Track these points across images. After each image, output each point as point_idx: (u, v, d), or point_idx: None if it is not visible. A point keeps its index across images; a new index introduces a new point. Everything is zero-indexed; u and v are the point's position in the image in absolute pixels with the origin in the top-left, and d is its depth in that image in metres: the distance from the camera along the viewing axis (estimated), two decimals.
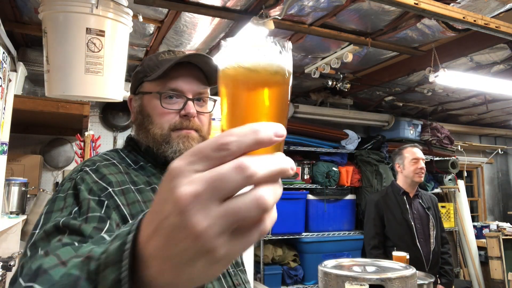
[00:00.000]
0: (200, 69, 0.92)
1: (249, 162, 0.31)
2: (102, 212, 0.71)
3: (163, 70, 0.86)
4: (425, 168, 2.54)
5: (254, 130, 0.32)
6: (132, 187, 0.81)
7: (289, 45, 0.39)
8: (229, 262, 0.33)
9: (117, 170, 0.83)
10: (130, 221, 0.59)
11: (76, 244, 0.61)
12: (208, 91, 0.96)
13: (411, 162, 2.53)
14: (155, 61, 0.92)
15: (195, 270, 0.32)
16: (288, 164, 0.32)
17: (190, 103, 0.89)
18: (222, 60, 0.38)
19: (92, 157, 0.87)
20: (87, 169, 0.80)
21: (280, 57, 0.37)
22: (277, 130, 0.32)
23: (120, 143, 3.88)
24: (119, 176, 0.81)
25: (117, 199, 0.76)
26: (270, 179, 0.32)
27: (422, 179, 2.54)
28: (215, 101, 0.95)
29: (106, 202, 0.74)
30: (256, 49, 0.37)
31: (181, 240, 0.31)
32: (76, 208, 0.71)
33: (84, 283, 0.38)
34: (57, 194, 0.76)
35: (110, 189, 0.77)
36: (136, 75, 0.96)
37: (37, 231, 0.68)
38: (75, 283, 0.39)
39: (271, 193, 0.31)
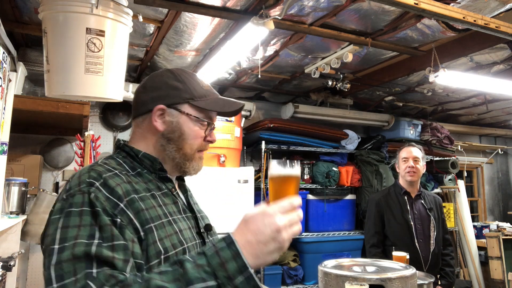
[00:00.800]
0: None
1: (300, 214, 0.80)
2: (123, 237, 0.78)
3: (215, 109, 1.02)
4: (417, 168, 2.50)
5: (292, 201, 0.79)
6: (135, 196, 0.86)
7: (297, 163, 0.85)
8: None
9: (121, 180, 0.87)
10: (140, 232, 0.83)
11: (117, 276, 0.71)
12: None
13: (401, 161, 2.55)
14: (201, 89, 1.02)
15: (271, 258, 0.75)
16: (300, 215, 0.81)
17: (213, 132, 1.05)
18: (270, 171, 0.86)
19: (93, 165, 0.90)
20: (97, 184, 0.83)
21: (292, 169, 0.84)
22: (299, 201, 0.80)
23: None
24: (124, 186, 0.86)
25: (128, 213, 0.82)
26: (300, 219, 0.80)
27: (414, 178, 2.50)
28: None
29: (120, 221, 0.80)
30: (283, 167, 0.84)
31: (272, 245, 0.74)
32: (97, 232, 0.76)
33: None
34: (69, 208, 0.79)
35: (121, 204, 0.82)
36: (177, 91, 0.99)
37: (56, 247, 0.74)
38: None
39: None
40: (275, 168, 0.84)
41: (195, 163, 1.01)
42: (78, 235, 0.74)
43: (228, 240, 0.73)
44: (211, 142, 1.04)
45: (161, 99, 0.98)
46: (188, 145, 0.99)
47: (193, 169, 1.01)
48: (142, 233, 0.82)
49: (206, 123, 1.01)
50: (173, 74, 1.02)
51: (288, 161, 0.82)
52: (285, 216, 0.76)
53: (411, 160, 2.50)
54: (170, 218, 0.91)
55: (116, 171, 0.89)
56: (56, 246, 0.73)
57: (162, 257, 0.83)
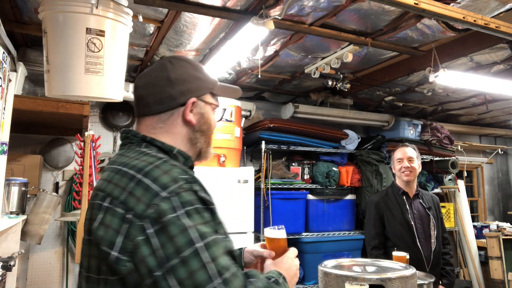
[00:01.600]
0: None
1: (297, 262, 1.09)
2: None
3: (229, 96, 1.12)
4: (413, 167, 2.50)
5: (295, 252, 1.11)
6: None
7: (283, 229, 1.15)
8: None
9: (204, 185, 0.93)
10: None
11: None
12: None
13: (396, 162, 2.57)
14: (212, 77, 1.05)
15: (294, 281, 1.03)
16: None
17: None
18: (266, 234, 1.16)
19: (165, 161, 0.85)
20: (194, 181, 0.84)
21: (280, 233, 1.15)
22: (296, 252, 1.12)
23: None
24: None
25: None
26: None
27: (410, 178, 2.50)
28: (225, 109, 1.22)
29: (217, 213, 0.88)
30: (273, 232, 1.15)
31: (295, 273, 1.05)
32: (221, 228, 0.85)
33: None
34: (189, 207, 0.77)
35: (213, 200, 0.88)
36: (202, 82, 1.00)
37: (200, 245, 0.74)
38: None
39: None
40: (268, 232, 1.16)
41: (211, 148, 1.06)
42: (208, 231, 0.77)
43: (281, 275, 0.97)
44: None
45: (192, 92, 0.97)
46: (211, 131, 1.05)
47: (210, 153, 1.06)
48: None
49: (216, 108, 1.07)
50: (190, 64, 1.01)
51: (276, 227, 1.14)
52: (296, 259, 1.09)
53: (406, 161, 2.51)
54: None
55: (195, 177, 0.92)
56: (200, 244, 0.73)
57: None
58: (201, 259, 0.72)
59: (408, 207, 2.49)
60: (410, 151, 2.55)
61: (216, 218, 0.84)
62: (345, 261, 1.55)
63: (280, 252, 1.10)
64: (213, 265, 0.72)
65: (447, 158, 4.85)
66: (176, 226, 0.73)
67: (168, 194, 0.76)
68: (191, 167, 1.00)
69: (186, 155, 0.97)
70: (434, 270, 2.40)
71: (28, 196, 2.70)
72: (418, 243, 2.41)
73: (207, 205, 0.82)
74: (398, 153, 2.58)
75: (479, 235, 5.02)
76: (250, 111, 4.04)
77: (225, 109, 1.11)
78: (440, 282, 2.47)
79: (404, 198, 2.53)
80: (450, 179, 4.86)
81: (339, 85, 3.60)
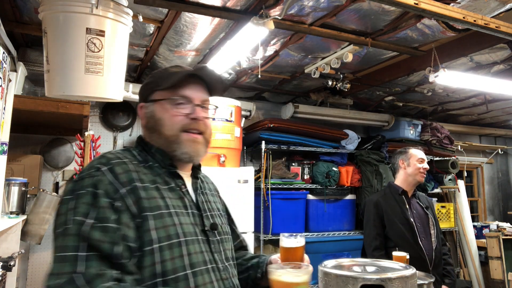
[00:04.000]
0: (204, 81, 1.08)
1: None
2: (118, 221, 0.85)
3: (175, 79, 1.01)
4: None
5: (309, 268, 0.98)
6: (139, 185, 0.92)
7: (301, 237, 1.10)
8: None
9: (128, 168, 0.94)
10: (137, 218, 0.88)
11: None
12: (210, 99, 1.10)
13: (418, 160, 2.56)
14: (166, 74, 1.04)
15: None
16: None
17: (198, 108, 1.03)
18: (281, 243, 1.10)
19: (106, 153, 0.98)
20: (105, 169, 0.90)
21: (297, 241, 1.09)
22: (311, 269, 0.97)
23: (120, 143, 3.88)
24: (130, 174, 0.92)
25: (128, 199, 0.88)
26: None
27: (423, 179, 2.60)
28: (216, 107, 1.11)
29: (118, 206, 0.86)
30: (289, 241, 1.09)
31: None
32: (92, 212, 0.83)
33: None
34: (79, 190, 0.86)
35: (123, 190, 0.88)
36: (147, 86, 1.08)
37: (66, 227, 0.82)
38: None
39: None
40: (285, 241, 1.09)
41: (183, 146, 1.01)
42: (78, 211, 0.83)
43: None
44: (195, 119, 1.02)
45: (141, 99, 1.10)
46: (167, 127, 1.01)
47: (183, 152, 1.01)
48: (139, 220, 0.87)
49: (178, 100, 1.02)
50: (149, 75, 1.11)
51: (293, 236, 1.08)
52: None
53: (425, 162, 2.57)
54: (171, 211, 0.93)
55: (125, 160, 0.95)
56: (66, 226, 0.82)
57: (155, 246, 0.87)
58: (58, 241, 0.82)
59: (407, 207, 2.49)
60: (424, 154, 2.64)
61: (99, 203, 0.85)
62: (345, 261, 1.55)
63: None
64: (56, 244, 0.82)
65: (447, 158, 4.85)
66: (65, 206, 0.86)
67: (77, 178, 0.90)
68: (172, 166, 1.02)
69: (163, 153, 1.02)
70: (437, 269, 2.41)
71: (28, 196, 2.70)
72: (420, 242, 2.40)
73: (95, 189, 0.86)
74: (419, 153, 2.60)
75: (479, 235, 5.02)
76: (250, 111, 4.04)
77: (216, 107, 1.15)
78: (444, 282, 2.48)
79: (403, 197, 2.53)
80: (450, 179, 4.86)
81: (339, 85, 3.60)
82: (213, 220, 1.07)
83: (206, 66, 1.08)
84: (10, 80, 2.10)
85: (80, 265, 0.77)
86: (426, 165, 2.57)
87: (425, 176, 2.58)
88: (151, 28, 2.63)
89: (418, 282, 1.46)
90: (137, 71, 3.57)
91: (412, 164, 2.55)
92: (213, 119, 1.20)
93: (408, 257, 1.94)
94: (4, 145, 1.98)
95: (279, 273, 0.91)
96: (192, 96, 1.04)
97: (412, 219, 2.45)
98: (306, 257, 1.10)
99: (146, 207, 0.89)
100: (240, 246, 1.29)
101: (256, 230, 3.51)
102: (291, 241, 1.08)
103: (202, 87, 1.07)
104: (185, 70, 1.04)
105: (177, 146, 1.00)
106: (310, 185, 4.05)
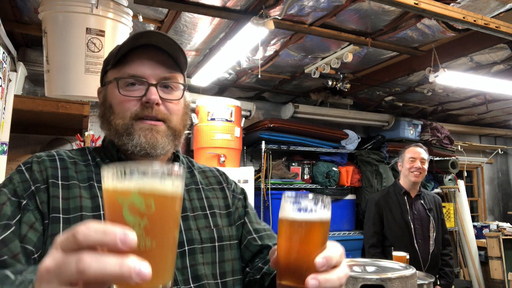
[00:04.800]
0: (168, 53, 0.83)
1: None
2: (19, 219, 0.71)
3: (120, 53, 0.80)
4: (424, 169, 2.50)
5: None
6: (60, 183, 0.77)
7: (327, 200, 0.58)
8: None
9: (53, 165, 0.79)
10: (45, 219, 0.72)
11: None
12: (179, 76, 0.85)
13: (408, 161, 2.53)
14: (116, 48, 0.82)
15: None
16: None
17: (152, 89, 0.79)
18: (281, 212, 0.60)
19: (44, 152, 0.85)
20: (22, 168, 0.79)
21: (314, 208, 0.57)
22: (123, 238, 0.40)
23: None
24: (51, 171, 0.78)
25: (38, 197, 0.74)
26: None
27: (419, 179, 2.50)
28: (185, 87, 0.86)
29: (25, 203, 0.73)
30: (304, 202, 0.57)
31: None
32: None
33: None
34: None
35: (32, 188, 0.75)
36: (103, 65, 0.88)
37: None
38: None
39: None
40: (289, 209, 0.56)
41: (136, 137, 0.79)
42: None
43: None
44: (149, 102, 0.79)
45: (100, 83, 0.91)
46: (117, 115, 0.81)
47: (133, 145, 0.79)
48: (46, 221, 0.73)
49: (128, 80, 0.80)
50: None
51: (311, 196, 0.56)
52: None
53: (418, 161, 2.49)
54: (101, 213, 0.76)
55: (55, 157, 0.81)
56: None
57: None
58: None
59: (408, 208, 2.49)
60: (424, 152, 2.53)
61: None
62: (345, 261, 1.55)
63: (311, 252, 0.54)
64: None
65: (447, 158, 4.85)
66: None
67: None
68: (121, 159, 0.84)
69: (111, 145, 0.85)
70: (431, 272, 2.40)
71: None
72: (416, 244, 2.40)
73: (2, 188, 0.75)
74: (411, 152, 2.54)
75: (479, 235, 5.01)
76: (250, 111, 4.04)
77: (185, 85, 0.86)
78: (438, 283, 2.47)
79: (405, 198, 2.52)
80: (450, 179, 4.86)
81: (339, 85, 3.60)
82: (184, 224, 0.83)
83: (159, 32, 0.82)
84: (10, 80, 2.10)
85: None
86: (417, 164, 2.48)
87: (420, 175, 2.49)
88: (151, 28, 2.63)
89: (418, 282, 1.46)
90: None
91: (405, 164, 2.55)
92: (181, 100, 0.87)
93: (408, 257, 1.94)
94: (4, 145, 1.98)
95: None
96: (145, 73, 0.80)
97: (411, 221, 2.45)
98: (334, 247, 0.58)
99: (58, 208, 0.73)
100: (258, 250, 0.90)
101: None
102: (303, 205, 0.55)
103: (163, 62, 0.82)
104: (134, 40, 0.80)
105: (128, 138, 0.79)
106: (310, 185, 4.04)
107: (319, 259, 0.54)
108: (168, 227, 0.45)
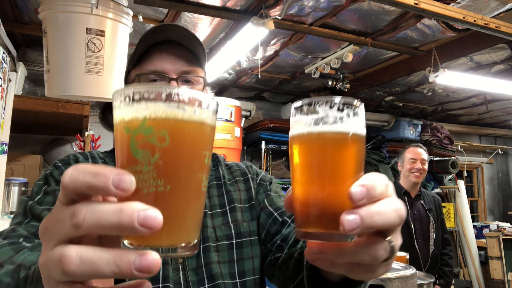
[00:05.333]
0: (187, 48, 0.83)
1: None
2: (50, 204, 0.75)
3: (139, 52, 0.81)
4: (424, 169, 2.51)
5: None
6: None
7: (358, 104, 0.41)
8: None
9: (87, 162, 0.84)
10: None
11: (22, 240, 0.64)
12: (199, 70, 0.84)
13: (409, 162, 2.54)
14: (137, 46, 0.83)
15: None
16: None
17: (173, 82, 0.79)
18: (292, 129, 0.43)
19: (82, 152, 0.91)
20: (59, 164, 0.85)
21: (344, 123, 0.40)
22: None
23: None
24: None
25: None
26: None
27: (419, 180, 2.50)
28: (205, 81, 0.86)
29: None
30: (322, 110, 0.41)
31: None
32: (41, 195, 0.76)
33: None
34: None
35: None
36: (126, 67, 0.91)
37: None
38: None
39: None
40: (303, 120, 0.40)
41: None
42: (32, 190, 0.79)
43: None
44: None
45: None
46: None
47: None
48: None
49: (149, 77, 0.80)
50: None
51: (337, 100, 0.39)
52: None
53: (419, 162, 2.50)
54: None
55: (88, 156, 0.87)
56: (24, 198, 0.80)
57: None
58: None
59: (408, 208, 2.49)
60: (424, 153, 2.54)
61: (48, 188, 0.78)
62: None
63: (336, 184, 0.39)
64: None
65: (447, 158, 4.85)
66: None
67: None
68: None
69: None
70: (431, 272, 2.40)
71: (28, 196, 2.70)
72: (416, 245, 2.40)
73: (48, 177, 0.81)
74: (412, 153, 2.54)
75: (479, 235, 5.02)
76: (250, 111, 4.04)
77: (206, 82, 0.87)
78: (437, 282, 2.47)
79: (406, 198, 2.52)
80: (450, 179, 4.86)
81: (339, 85, 3.60)
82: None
83: (173, 24, 0.82)
84: (10, 80, 2.10)
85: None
86: (418, 165, 2.49)
87: (419, 176, 2.49)
88: None
89: (418, 282, 1.46)
90: None
91: (405, 165, 2.55)
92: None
93: (408, 257, 1.94)
94: (4, 145, 1.98)
95: None
96: (165, 68, 0.79)
97: (411, 221, 2.45)
98: (374, 175, 0.39)
99: None
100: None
101: None
102: (323, 113, 0.40)
103: (182, 56, 0.81)
104: (152, 37, 0.82)
105: None
106: None
107: (355, 188, 0.36)
108: (189, 168, 0.35)
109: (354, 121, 0.40)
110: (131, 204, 0.30)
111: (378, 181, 0.38)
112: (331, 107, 0.39)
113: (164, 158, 0.33)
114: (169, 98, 0.34)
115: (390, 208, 0.37)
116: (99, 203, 0.31)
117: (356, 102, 0.40)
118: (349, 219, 0.34)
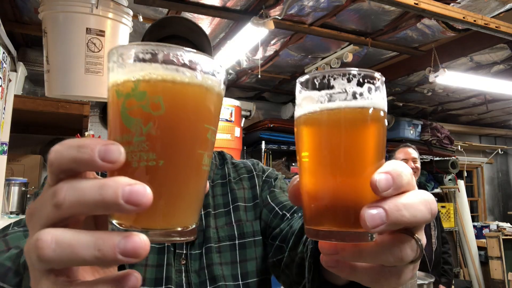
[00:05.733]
0: (192, 42, 0.81)
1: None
2: None
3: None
4: (417, 168, 2.50)
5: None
6: None
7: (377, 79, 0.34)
8: None
9: None
10: None
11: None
12: None
13: None
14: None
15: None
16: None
17: None
18: (298, 108, 0.41)
19: None
20: None
21: (364, 98, 0.34)
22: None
23: None
24: None
25: None
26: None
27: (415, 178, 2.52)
28: None
29: None
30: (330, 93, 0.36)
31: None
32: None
33: (12, 276, 0.46)
34: None
35: None
36: None
37: None
38: (5, 274, 0.46)
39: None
40: (313, 96, 0.37)
41: None
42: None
43: None
44: None
45: None
46: None
47: None
48: None
49: None
50: None
51: (353, 72, 0.34)
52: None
53: (411, 161, 2.50)
54: None
55: None
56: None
57: None
58: None
59: None
60: (414, 152, 2.54)
61: None
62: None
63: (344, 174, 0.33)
64: None
65: (447, 158, 4.85)
66: None
67: None
68: None
69: None
70: (436, 270, 2.41)
71: (28, 196, 2.70)
72: None
73: None
74: (402, 154, 2.55)
75: (479, 235, 5.01)
76: (250, 111, 4.04)
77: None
78: (441, 281, 2.48)
79: None
80: (450, 179, 4.86)
81: None
82: (205, 221, 0.76)
83: (177, 16, 0.80)
84: (10, 80, 2.10)
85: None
86: (410, 165, 2.48)
87: (414, 174, 2.49)
88: None
89: (418, 282, 1.46)
90: None
91: None
92: None
93: None
94: (4, 145, 1.98)
95: None
96: None
97: None
98: (397, 162, 0.33)
99: None
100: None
101: None
102: (337, 87, 0.34)
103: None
104: (157, 32, 0.81)
105: None
106: None
107: (379, 176, 0.30)
108: (187, 141, 0.31)
109: (377, 97, 0.33)
110: (116, 179, 0.27)
111: (403, 168, 0.32)
112: (349, 80, 0.33)
113: (158, 128, 0.29)
114: (168, 59, 0.30)
115: (420, 201, 0.31)
116: (82, 179, 0.28)
117: (377, 74, 0.34)
118: (372, 213, 0.29)
